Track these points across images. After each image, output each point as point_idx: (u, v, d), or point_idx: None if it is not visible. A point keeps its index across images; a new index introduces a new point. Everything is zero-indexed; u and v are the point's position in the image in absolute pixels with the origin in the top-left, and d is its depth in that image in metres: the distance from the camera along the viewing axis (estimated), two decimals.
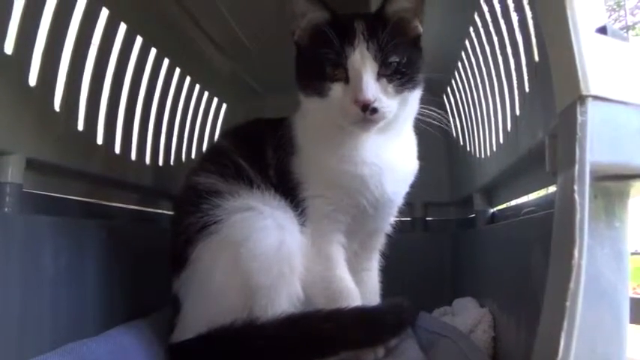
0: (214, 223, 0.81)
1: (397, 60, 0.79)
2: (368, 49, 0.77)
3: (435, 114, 0.86)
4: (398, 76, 0.79)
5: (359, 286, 0.87)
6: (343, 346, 0.75)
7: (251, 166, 0.86)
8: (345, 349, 0.75)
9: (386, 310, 0.83)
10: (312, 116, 0.87)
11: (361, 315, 0.79)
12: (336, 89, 0.79)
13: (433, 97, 0.95)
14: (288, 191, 0.84)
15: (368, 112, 0.76)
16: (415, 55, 0.83)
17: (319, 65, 0.80)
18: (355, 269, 0.90)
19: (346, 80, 0.78)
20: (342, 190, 0.84)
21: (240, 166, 0.87)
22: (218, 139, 0.98)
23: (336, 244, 0.86)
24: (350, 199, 0.84)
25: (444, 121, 0.86)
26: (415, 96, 0.85)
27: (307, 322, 0.75)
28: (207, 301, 0.81)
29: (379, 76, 0.78)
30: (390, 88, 0.78)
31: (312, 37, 0.84)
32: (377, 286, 0.98)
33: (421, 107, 0.86)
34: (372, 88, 0.76)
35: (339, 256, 0.86)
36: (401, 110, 0.82)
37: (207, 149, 1.01)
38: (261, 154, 0.88)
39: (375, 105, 0.76)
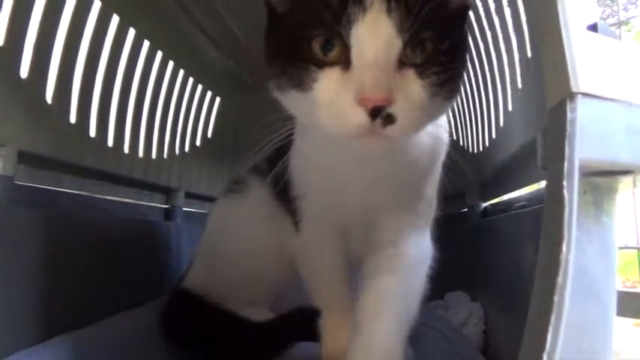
0: (239, 192, 0.87)
1: (435, 38, 0.47)
2: (389, 12, 0.44)
3: None
4: (435, 68, 0.47)
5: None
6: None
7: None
8: None
9: None
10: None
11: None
12: (327, 79, 0.47)
13: None
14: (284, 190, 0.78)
15: (379, 119, 0.45)
16: (462, 37, 0.52)
17: (300, 39, 0.48)
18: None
19: (345, 64, 0.46)
20: (322, 198, 0.72)
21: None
22: None
23: (327, 246, 0.77)
24: (330, 209, 0.72)
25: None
26: (450, 106, 0.54)
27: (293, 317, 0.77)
28: (207, 259, 0.89)
29: (402, 64, 0.46)
30: (421, 87, 0.47)
31: None
32: None
33: None
34: (389, 80, 0.45)
35: (329, 258, 0.77)
36: (427, 124, 0.53)
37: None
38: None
39: (392, 110, 0.45)
